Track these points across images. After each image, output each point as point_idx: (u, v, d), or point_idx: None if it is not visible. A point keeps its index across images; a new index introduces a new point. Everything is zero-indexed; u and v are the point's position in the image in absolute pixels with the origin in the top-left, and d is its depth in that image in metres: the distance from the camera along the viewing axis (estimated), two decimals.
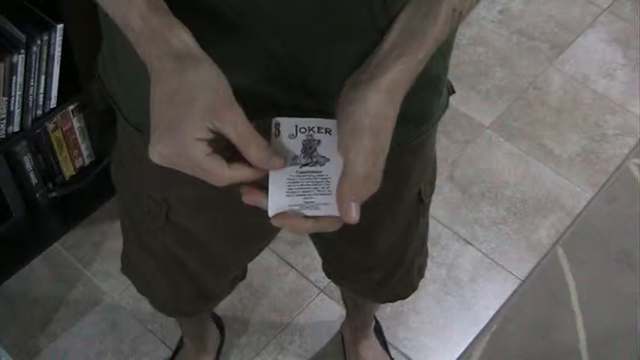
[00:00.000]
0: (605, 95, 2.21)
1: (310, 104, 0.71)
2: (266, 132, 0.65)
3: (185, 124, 0.60)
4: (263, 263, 1.76)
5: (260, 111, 0.65)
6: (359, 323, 1.57)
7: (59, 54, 1.49)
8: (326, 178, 0.66)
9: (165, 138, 0.61)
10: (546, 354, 1.68)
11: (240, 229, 0.93)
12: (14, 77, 1.44)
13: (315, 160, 0.67)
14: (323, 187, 0.66)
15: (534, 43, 2.35)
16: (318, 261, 1.23)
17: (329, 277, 1.25)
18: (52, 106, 1.58)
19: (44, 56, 1.47)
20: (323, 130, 0.67)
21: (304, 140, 0.67)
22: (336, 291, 1.70)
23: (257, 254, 1.11)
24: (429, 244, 1.18)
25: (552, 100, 2.19)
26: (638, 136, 2.11)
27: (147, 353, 1.64)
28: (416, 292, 1.23)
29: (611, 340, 1.69)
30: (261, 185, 0.66)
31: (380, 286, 1.15)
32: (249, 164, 0.63)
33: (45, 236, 1.79)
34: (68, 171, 1.82)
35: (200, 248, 0.99)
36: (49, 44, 1.46)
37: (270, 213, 0.66)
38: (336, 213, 0.65)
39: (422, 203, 1.01)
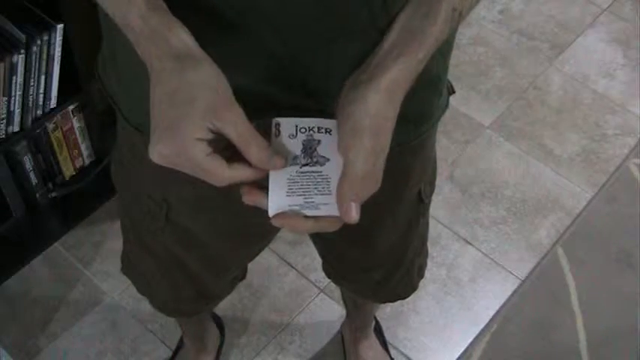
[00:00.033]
0: (605, 95, 2.21)
1: (310, 104, 0.71)
2: (266, 132, 0.65)
3: (185, 124, 0.60)
4: (263, 263, 1.76)
5: (260, 111, 0.65)
6: (359, 323, 1.57)
7: (59, 54, 1.49)
8: (326, 178, 0.66)
9: (166, 138, 0.61)
10: (546, 354, 1.67)
11: (240, 229, 0.93)
12: (14, 77, 1.44)
13: (315, 160, 0.67)
14: (323, 187, 0.66)
15: (534, 43, 2.35)
16: (318, 261, 1.23)
17: (329, 277, 1.25)
18: (52, 106, 1.58)
19: (44, 56, 1.47)
20: (323, 130, 0.67)
21: (304, 140, 0.67)
22: (336, 291, 1.70)
23: (257, 254, 1.11)
24: (429, 244, 1.18)
25: (552, 100, 2.19)
26: (638, 136, 2.11)
27: (147, 353, 1.64)
28: (416, 292, 1.23)
29: (611, 340, 1.69)
30: (262, 185, 0.66)
31: (380, 286, 1.15)
32: (249, 164, 0.63)
33: (45, 236, 1.79)
34: (68, 171, 1.82)
35: (200, 248, 0.98)
36: (49, 44, 1.46)
37: (271, 213, 0.66)
38: (336, 213, 0.65)
39: (422, 203, 1.01)
